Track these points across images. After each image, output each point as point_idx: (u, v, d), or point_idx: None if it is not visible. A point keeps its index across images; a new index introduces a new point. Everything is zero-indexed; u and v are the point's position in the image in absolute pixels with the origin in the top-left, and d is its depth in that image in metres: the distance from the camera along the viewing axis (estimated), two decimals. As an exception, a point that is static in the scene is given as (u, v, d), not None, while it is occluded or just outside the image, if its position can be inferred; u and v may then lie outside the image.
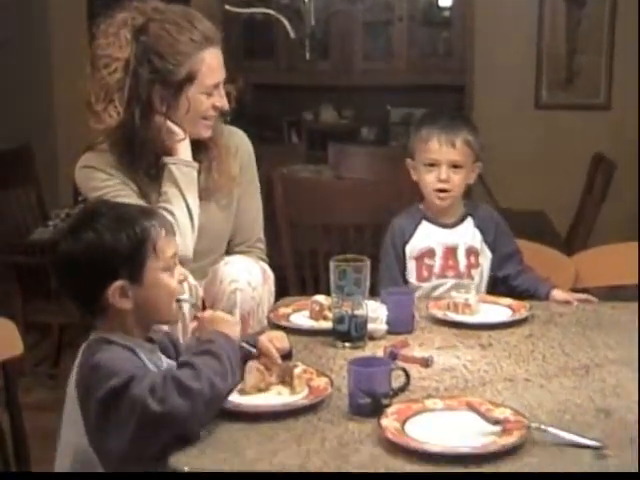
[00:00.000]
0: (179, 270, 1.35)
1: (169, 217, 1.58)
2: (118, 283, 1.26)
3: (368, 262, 1.53)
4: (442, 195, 1.88)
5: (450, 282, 1.88)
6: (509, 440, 1.14)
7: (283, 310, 1.71)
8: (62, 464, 1.28)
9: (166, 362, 1.33)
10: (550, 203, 3.62)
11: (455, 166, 1.86)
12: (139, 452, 1.17)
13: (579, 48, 4.24)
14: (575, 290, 1.90)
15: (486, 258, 1.91)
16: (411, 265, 1.90)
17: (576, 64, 4.26)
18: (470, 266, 1.89)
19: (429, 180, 1.88)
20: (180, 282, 1.36)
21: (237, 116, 2.18)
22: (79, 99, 1.72)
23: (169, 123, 1.69)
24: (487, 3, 4.18)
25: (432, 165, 1.87)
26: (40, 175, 3.44)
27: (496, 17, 4.20)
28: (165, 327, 1.46)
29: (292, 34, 3.07)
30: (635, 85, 3.95)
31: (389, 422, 1.19)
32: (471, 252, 1.90)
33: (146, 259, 1.28)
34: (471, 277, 1.89)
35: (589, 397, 1.32)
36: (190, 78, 1.67)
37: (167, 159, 1.70)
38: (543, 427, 1.18)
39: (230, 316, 1.38)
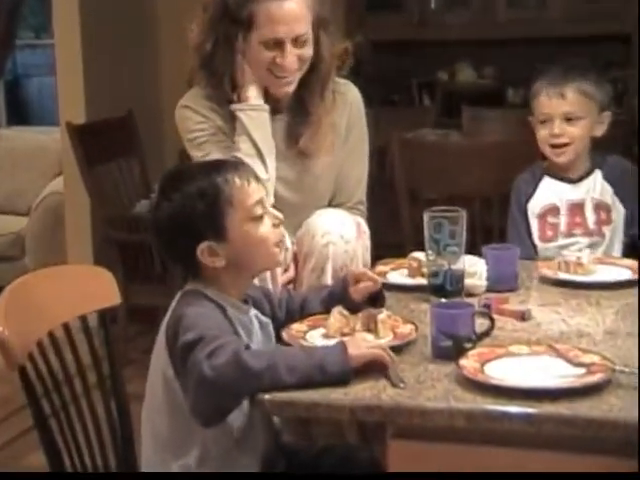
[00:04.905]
0: (272, 214, 1.60)
1: None
2: (204, 244, 1.55)
3: (464, 213, 1.78)
4: (558, 151, 2.10)
5: (580, 241, 2.08)
6: (590, 379, 1.36)
7: (381, 268, 1.98)
8: (153, 393, 1.58)
9: (257, 321, 1.61)
10: None
11: (569, 119, 2.08)
12: (200, 407, 1.45)
13: None
14: None
15: (619, 213, 2.11)
16: (534, 224, 2.14)
17: None
18: (600, 222, 2.10)
19: (543, 136, 2.11)
20: (275, 226, 1.60)
21: (358, 76, 2.46)
22: (185, 67, 2.11)
23: (245, 64, 2.01)
24: None
25: (545, 121, 2.10)
26: (144, 145, 3.88)
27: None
28: (255, 280, 1.75)
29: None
30: None
31: (468, 362, 1.44)
32: (600, 207, 2.10)
33: (224, 215, 1.55)
34: (602, 235, 2.09)
35: (693, 352, 1.50)
36: (249, 22, 1.98)
37: (234, 106, 2.03)
38: (629, 370, 1.38)
39: (370, 339, 1.55)
